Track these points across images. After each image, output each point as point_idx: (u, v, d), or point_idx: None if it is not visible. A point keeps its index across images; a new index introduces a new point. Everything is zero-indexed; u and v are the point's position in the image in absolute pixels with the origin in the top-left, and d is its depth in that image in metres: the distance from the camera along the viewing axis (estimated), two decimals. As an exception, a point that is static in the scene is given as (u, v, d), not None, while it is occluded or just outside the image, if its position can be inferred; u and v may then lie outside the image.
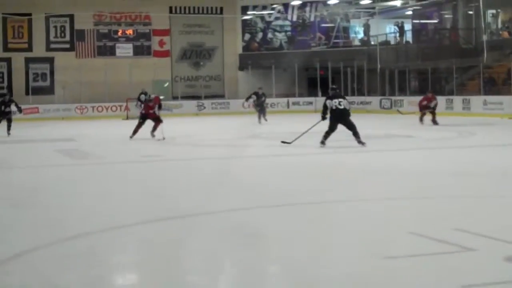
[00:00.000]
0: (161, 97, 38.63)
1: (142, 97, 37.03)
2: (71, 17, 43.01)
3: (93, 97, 40.18)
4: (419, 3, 41.39)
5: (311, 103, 40.00)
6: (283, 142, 17.43)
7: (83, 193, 11.01)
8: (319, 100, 33.18)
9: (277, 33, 46.01)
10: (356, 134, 16.72)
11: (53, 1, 41.68)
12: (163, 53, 45.07)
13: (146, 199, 10.20)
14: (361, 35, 45.64)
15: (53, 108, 38.87)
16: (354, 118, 16.79)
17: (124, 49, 44.31)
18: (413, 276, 5.74)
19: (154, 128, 20.88)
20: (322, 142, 16.76)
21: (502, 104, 30.24)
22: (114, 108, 39.61)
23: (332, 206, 9.30)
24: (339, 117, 16.76)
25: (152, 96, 37.62)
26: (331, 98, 17.04)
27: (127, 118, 36.61)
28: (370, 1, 43.86)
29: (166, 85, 43.84)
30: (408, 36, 43.23)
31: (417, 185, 11.00)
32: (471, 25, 39.35)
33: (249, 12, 45.83)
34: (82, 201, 10.14)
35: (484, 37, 36.76)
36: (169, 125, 19.91)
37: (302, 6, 45.23)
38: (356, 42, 45.39)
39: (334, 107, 16.77)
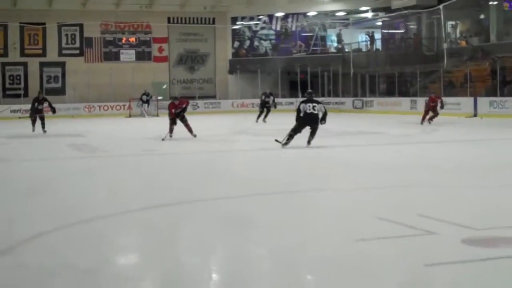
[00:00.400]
0: (159, 98, 38.90)
1: (144, 97, 37.18)
2: (81, 26, 42.85)
3: (100, 97, 40.15)
4: (387, 15, 41.42)
5: (292, 103, 39.91)
6: (276, 140, 15.98)
7: (92, 182, 11.00)
8: (300, 101, 33.10)
9: (262, 41, 46.00)
10: (312, 135, 15.44)
11: (65, 12, 41.49)
12: (162, 58, 45.00)
13: (148, 187, 10.20)
14: (336, 43, 45.73)
15: (64, 107, 38.52)
16: (328, 117, 16.06)
17: (127, 55, 44.21)
18: (382, 256, 5.78)
19: (190, 130, 19.12)
20: (286, 144, 15.43)
21: (460, 104, 30.33)
22: (118, 107, 39.52)
23: (311, 195, 9.31)
24: (308, 121, 15.36)
25: (150, 97, 37.70)
26: (305, 102, 15.61)
27: (130, 116, 36.72)
28: (345, 13, 43.99)
29: (164, 87, 43.79)
30: (378, 44, 43.40)
31: (387, 176, 11.03)
32: (433, 35, 39.53)
33: (238, 22, 45.83)
34: (91, 190, 10.13)
35: (445, 45, 36.91)
36: (166, 122, 19.72)
37: (284, 17, 45.27)
38: (332, 49, 45.37)
39: (308, 111, 15.32)
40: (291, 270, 5.51)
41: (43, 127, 22.11)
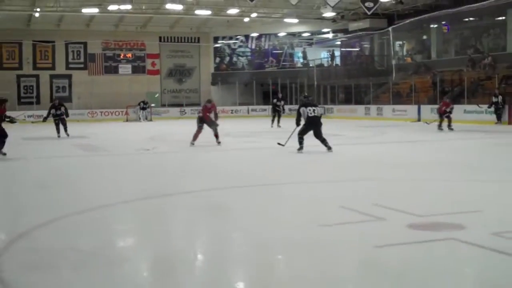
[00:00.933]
0: (153, 105, 38.77)
1: (141, 104, 37.06)
2: (85, 44, 42.68)
3: (101, 104, 39.98)
4: (345, 35, 41.63)
5: (265, 109, 40.11)
6: (278, 143, 15.16)
7: (95, 177, 10.95)
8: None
9: (240, 57, 46.00)
10: (324, 141, 14.19)
11: (71, 32, 41.22)
12: (154, 71, 44.90)
13: (143, 181, 10.15)
14: (302, 59, 45.89)
15: (71, 113, 37.56)
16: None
17: (125, 68, 44.07)
18: (341, 238, 5.82)
19: (216, 136, 16.62)
20: (301, 148, 14.14)
21: (406, 111, 30.58)
22: (117, 113, 39.29)
23: (283, 187, 9.31)
24: (313, 123, 14.05)
25: (148, 106, 37.42)
26: (305, 105, 14.09)
27: (127, 120, 36.63)
28: (309, 34, 44.17)
29: (156, 95, 43.77)
30: (337, 60, 43.63)
31: (348, 171, 11.09)
32: (383, 52, 39.77)
33: (219, 41, 45.84)
34: (94, 183, 10.08)
35: (393, 62, 37.23)
36: (158, 126, 19.62)
37: (258, 37, 45.33)
38: (299, 65, 45.46)
39: (310, 114, 13.94)
40: (263, 250, 5.53)
41: (65, 131, 21.26)
